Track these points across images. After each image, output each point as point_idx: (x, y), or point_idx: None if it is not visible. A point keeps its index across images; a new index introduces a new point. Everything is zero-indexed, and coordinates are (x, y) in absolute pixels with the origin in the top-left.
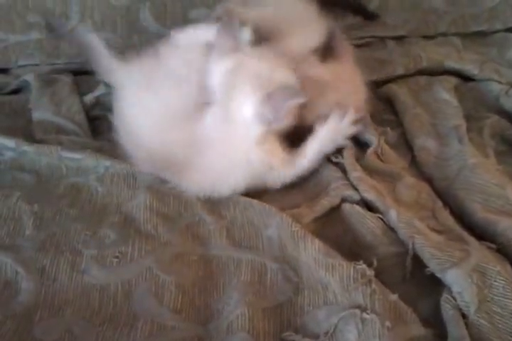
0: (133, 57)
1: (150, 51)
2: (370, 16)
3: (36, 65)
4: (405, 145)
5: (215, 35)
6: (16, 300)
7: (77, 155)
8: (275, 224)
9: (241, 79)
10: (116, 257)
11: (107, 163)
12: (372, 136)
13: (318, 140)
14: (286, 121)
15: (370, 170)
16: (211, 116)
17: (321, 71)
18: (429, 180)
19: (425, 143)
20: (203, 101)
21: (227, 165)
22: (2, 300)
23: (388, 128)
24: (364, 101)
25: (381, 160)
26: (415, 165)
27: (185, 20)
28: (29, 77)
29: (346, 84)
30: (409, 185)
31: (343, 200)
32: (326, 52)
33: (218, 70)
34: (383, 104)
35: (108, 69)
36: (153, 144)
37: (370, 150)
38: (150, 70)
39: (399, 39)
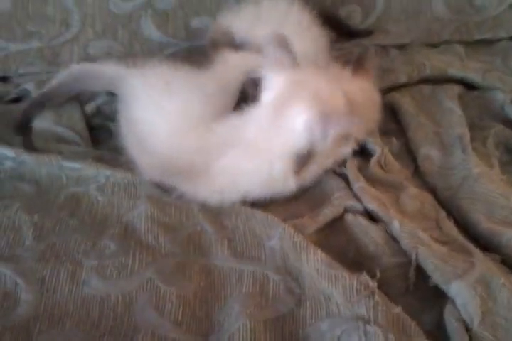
0: (144, 64)
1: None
2: (365, 34)
3: (37, 73)
4: (409, 154)
5: (269, 49)
6: (15, 311)
7: (77, 165)
8: (277, 235)
9: (303, 91)
10: (117, 268)
11: (108, 172)
12: (376, 146)
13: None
14: (328, 144)
15: (373, 181)
16: (249, 119)
17: (354, 87)
18: (432, 190)
19: (429, 153)
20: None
21: (244, 171)
22: (1, 311)
23: (394, 138)
24: (377, 122)
25: (384, 171)
26: (418, 174)
27: (187, 29)
28: (29, 86)
29: (371, 102)
30: (413, 195)
31: (346, 210)
32: (356, 65)
33: (278, 80)
34: (386, 113)
35: (115, 78)
36: (166, 150)
37: (373, 160)
38: (168, 76)
39: (402, 47)
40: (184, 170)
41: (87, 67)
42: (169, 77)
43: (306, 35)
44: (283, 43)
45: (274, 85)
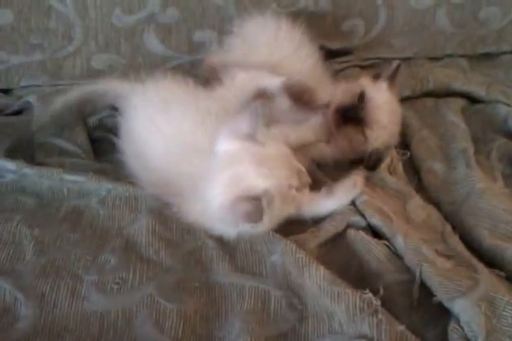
0: (148, 79)
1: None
2: (343, 53)
3: (39, 86)
4: (412, 169)
5: (241, 115)
6: (15, 326)
7: (78, 178)
8: (279, 251)
9: (227, 173)
10: (117, 283)
11: (109, 185)
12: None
13: (333, 199)
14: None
15: (381, 186)
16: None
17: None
18: (436, 204)
19: (432, 166)
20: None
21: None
22: (1, 326)
23: (408, 153)
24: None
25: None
26: (421, 190)
27: (189, 42)
28: (31, 98)
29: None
30: (420, 205)
31: (349, 226)
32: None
33: (222, 147)
34: None
35: (118, 95)
36: (160, 169)
37: (382, 165)
38: (168, 95)
39: (405, 61)
40: (177, 193)
41: (89, 88)
42: (169, 96)
43: (300, 52)
44: (257, 113)
45: (221, 150)
